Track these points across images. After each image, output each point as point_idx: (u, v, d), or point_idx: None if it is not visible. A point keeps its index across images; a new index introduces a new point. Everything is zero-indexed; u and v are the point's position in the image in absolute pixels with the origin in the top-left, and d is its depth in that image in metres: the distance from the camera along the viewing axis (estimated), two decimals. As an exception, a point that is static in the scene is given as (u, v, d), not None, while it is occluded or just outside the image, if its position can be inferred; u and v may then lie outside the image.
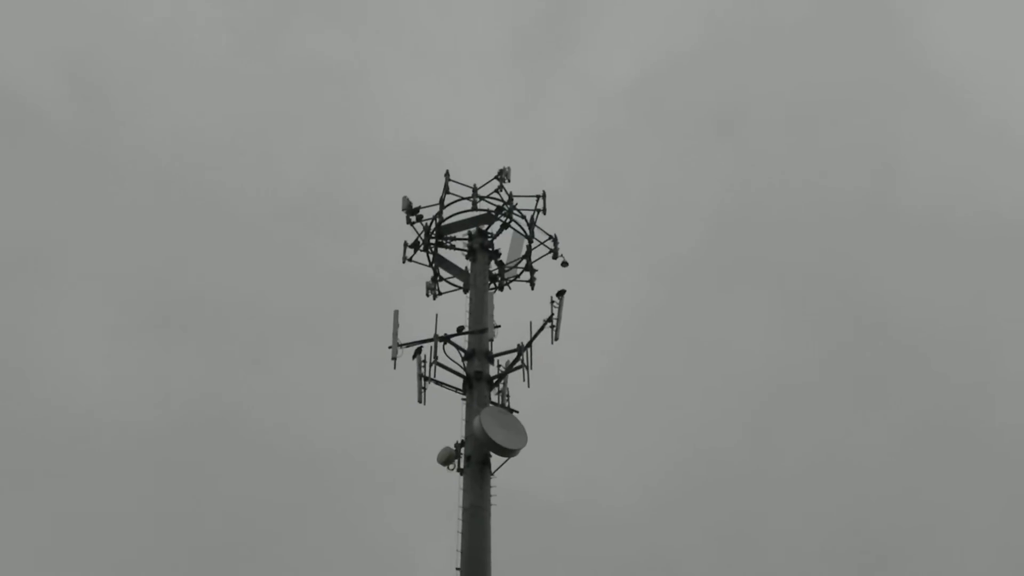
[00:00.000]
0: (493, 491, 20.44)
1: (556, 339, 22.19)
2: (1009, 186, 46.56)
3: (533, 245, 23.90)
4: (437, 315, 22.19)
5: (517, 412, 21.18)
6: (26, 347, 42.16)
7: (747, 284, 43.00)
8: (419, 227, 23.84)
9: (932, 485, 37.91)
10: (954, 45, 52.38)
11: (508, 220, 23.95)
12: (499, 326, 22.60)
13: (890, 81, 49.45)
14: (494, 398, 21.49)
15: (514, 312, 22.79)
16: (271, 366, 40.45)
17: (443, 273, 23.79)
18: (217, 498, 37.40)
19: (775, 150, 47.58)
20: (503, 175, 24.07)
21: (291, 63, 50.37)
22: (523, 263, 23.81)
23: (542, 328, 22.17)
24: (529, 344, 21.97)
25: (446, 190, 23.96)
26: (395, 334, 22.02)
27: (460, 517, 20.16)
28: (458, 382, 21.67)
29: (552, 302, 22.36)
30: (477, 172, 24.12)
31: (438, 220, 23.89)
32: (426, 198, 23.97)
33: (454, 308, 22.95)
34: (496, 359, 21.95)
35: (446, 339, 21.97)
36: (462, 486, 20.49)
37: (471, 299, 22.90)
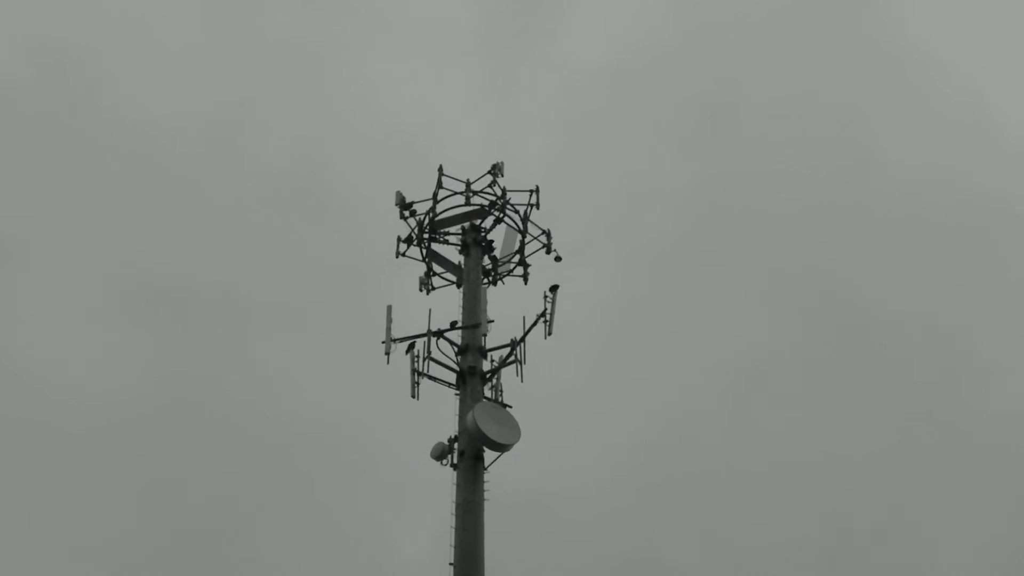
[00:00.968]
0: (486, 486, 20.51)
1: (549, 334, 22.23)
2: (986, 172, 46.82)
3: (526, 240, 23.94)
4: (431, 310, 22.24)
5: (511, 407, 21.24)
6: (1, 331, 41.95)
7: (723, 272, 43.06)
8: (412, 222, 23.87)
9: (915, 473, 38.20)
10: (932, 33, 52.60)
11: (501, 215, 23.97)
12: (492, 321, 22.68)
13: (866, 69, 49.58)
14: (487, 393, 21.51)
15: (507, 307, 22.85)
16: (252, 350, 40.37)
17: (436, 268, 23.78)
18: (200, 483, 37.37)
19: (751, 136, 47.65)
20: (496, 170, 24.07)
21: (265, 43, 50.06)
22: (516, 258, 23.83)
23: (535, 323, 22.18)
24: (522, 339, 21.98)
25: (439, 185, 23.97)
26: (388, 329, 22.01)
27: (453, 512, 20.22)
28: (451, 377, 21.68)
29: (545, 297, 22.39)
30: (455, 155, 24.05)
31: (431, 215, 23.92)
32: (403, 181, 24.03)
33: (447, 303, 23.01)
34: (489, 354, 21.97)
35: (439, 334, 21.98)
36: (455, 481, 20.54)
37: (464, 294, 22.88)
